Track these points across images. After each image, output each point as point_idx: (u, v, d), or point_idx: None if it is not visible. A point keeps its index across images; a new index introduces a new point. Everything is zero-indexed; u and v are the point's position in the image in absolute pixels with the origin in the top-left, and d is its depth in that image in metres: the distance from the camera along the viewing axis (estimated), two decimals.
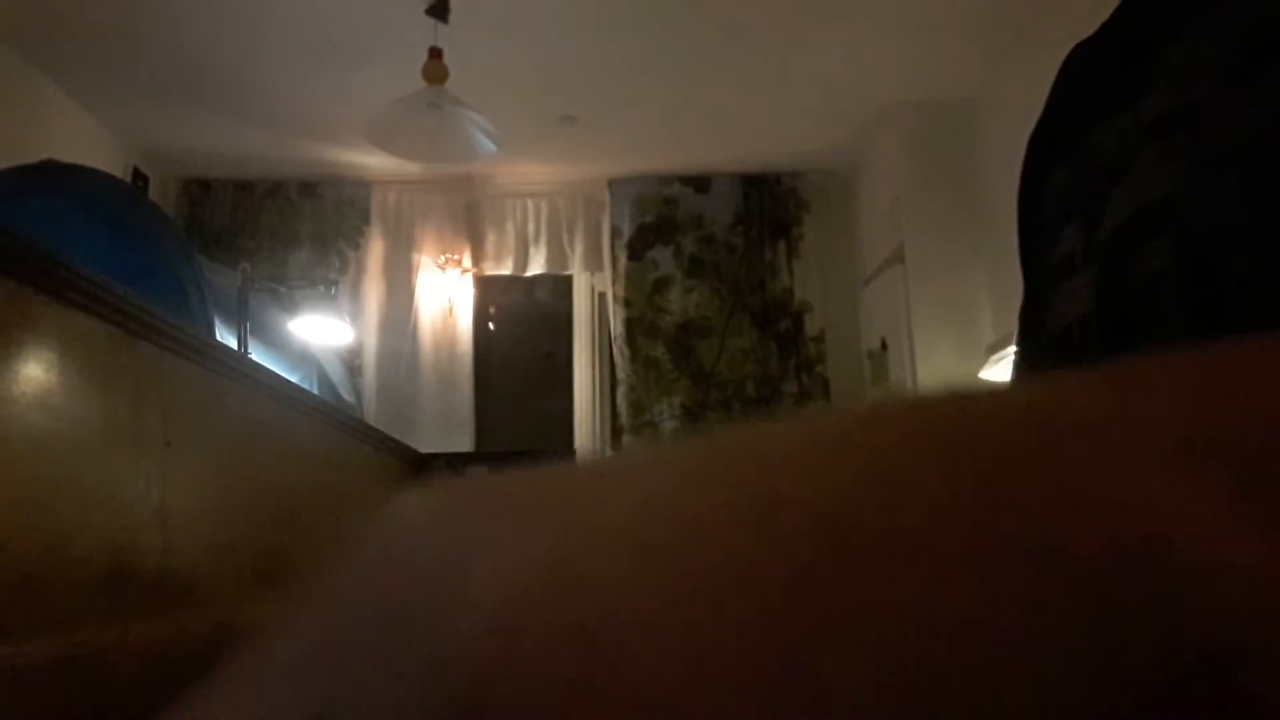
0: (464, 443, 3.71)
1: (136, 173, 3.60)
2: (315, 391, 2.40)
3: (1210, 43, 0.30)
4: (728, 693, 0.09)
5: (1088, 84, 0.41)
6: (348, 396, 2.85)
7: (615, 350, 3.78)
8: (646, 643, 0.10)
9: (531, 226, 3.92)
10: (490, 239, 3.93)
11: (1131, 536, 0.10)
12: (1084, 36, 0.43)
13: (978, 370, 2.91)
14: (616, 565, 0.11)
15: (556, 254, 3.91)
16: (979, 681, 0.09)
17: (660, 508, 0.11)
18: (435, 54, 2.44)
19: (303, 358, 2.48)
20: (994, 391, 0.12)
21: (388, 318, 3.84)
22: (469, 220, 3.92)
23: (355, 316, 3.70)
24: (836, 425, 0.13)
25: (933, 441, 0.11)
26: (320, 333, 2.55)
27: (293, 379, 1.69)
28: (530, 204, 3.92)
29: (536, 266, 3.91)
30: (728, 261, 3.81)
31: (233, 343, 1.98)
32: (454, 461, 1.33)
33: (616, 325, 3.77)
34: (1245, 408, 0.11)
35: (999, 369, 2.79)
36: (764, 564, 0.10)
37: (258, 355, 2.04)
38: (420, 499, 0.14)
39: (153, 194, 3.61)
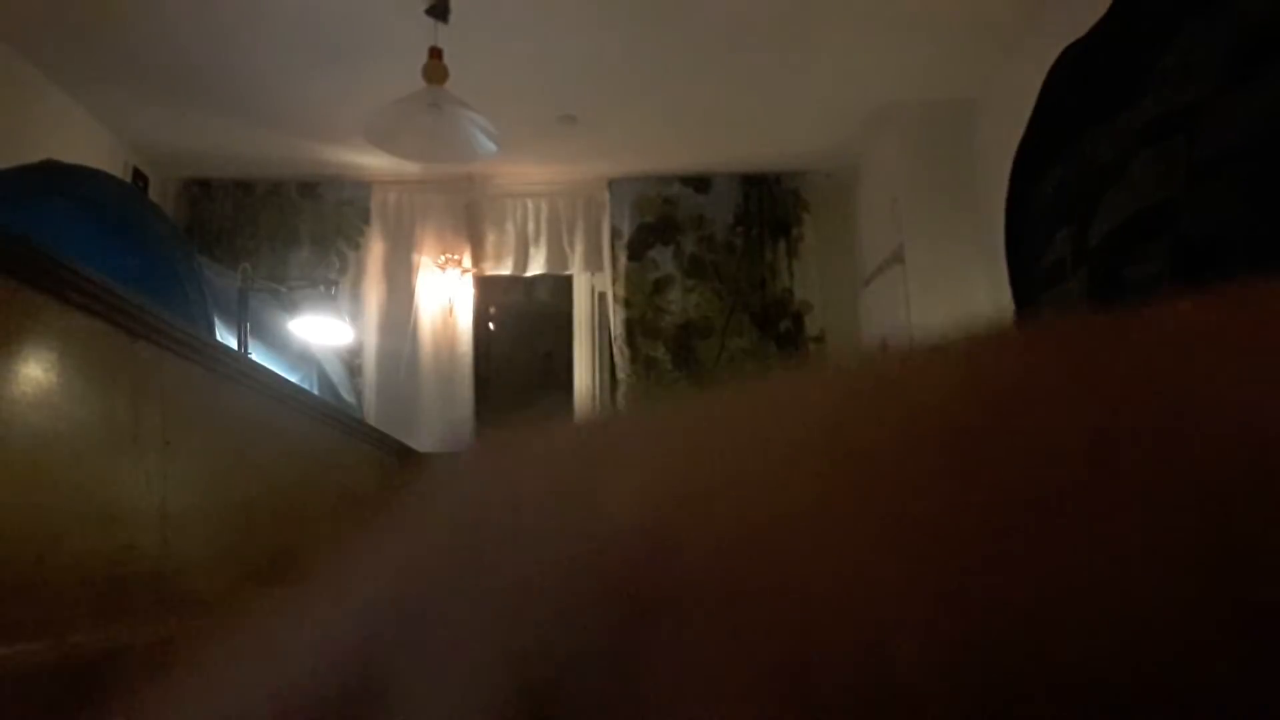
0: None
1: (136, 173, 3.60)
2: (315, 391, 2.40)
3: (1207, 45, 0.29)
4: (895, 598, 0.09)
5: (1079, 87, 0.40)
6: (348, 396, 2.85)
7: (615, 350, 3.78)
8: (813, 547, 0.09)
9: (531, 226, 3.92)
10: (490, 239, 3.93)
11: (1264, 443, 0.09)
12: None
13: None
14: (765, 470, 0.10)
15: (556, 254, 3.91)
16: (1101, 593, 0.09)
17: (800, 415, 0.11)
18: (435, 54, 2.44)
19: (303, 358, 2.48)
20: (1113, 315, 0.12)
21: (388, 318, 3.83)
22: (469, 220, 3.92)
23: (355, 316, 3.70)
24: (962, 346, 0.12)
25: (1058, 356, 0.11)
26: (320, 333, 2.55)
27: (293, 379, 1.69)
28: (530, 204, 3.92)
29: (536, 266, 3.91)
30: (728, 261, 3.80)
31: (233, 343, 1.98)
32: None
33: (616, 325, 3.77)
34: None
35: None
36: (916, 467, 0.10)
37: (258, 355, 2.04)
38: (509, 436, 0.13)
39: (153, 194, 3.61)
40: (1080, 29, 0.43)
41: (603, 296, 3.91)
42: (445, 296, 3.86)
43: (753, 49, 2.95)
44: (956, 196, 3.23)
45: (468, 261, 3.89)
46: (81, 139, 3.23)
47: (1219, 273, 0.26)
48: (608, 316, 3.84)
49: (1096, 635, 0.09)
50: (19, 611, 0.41)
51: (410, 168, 3.59)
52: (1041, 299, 0.38)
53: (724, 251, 3.82)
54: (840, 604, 0.09)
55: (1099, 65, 0.39)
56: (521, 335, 4.17)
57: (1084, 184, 0.36)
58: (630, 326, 3.75)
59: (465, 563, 0.11)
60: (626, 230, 3.83)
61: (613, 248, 3.83)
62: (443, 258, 3.87)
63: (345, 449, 0.99)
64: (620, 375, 3.75)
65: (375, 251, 3.87)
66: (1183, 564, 0.09)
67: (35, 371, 0.43)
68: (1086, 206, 0.34)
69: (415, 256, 3.88)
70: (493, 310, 4.11)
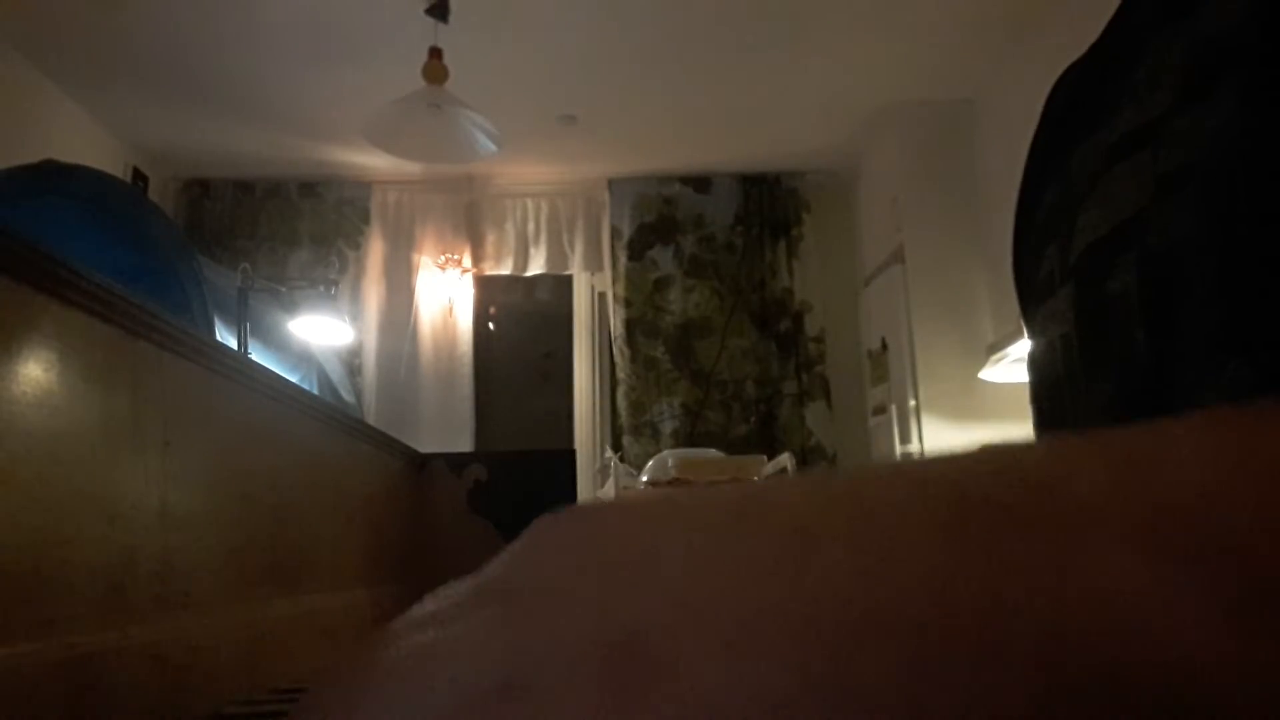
0: (464, 443, 3.71)
1: (136, 173, 3.60)
2: (315, 391, 2.40)
3: (1168, 62, 0.30)
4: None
5: (1072, 107, 0.41)
6: (348, 396, 2.85)
7: (615, 350, 3.78)
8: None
9: (531, 226, 3.92)
10: (490, 239, 3.93)
11: (1106, 626, 0.10)
12: (1084, 36, 0.43)
13: (978, 370, 2.91)
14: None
15: (556, 254, 3.91)
16: None
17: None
18: (435, 54, 2.43)
19: (303, 358, 2.48)
20: (997, 459, 0.13)
21: (388, 318, 3.83)
22: (469, 220, 3.92)
23: (355, 316, 3.70)
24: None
25: (930, 514, 0.12)
26: (320, 333, 2.54)
27: (293, 379, 1.69)
28: (530, 204, 3.92)
29: (536, 266, 3.91)
30: (728, 261, 3.80)
31: (233, 343, 1.98)
32: (454, 461, 1.33)
33: (616, 325, 3.77)
34: (1256, 513, 0.11)
35: (999, 369, 2.79)
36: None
37: (258, 355, 2.03)
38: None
39: (153, 194, 3.61)
40: (1080, 29, 0.43)
41: (603, 296, 3.91)
42: (445, 296, 3.86)
43: (753, 49, 2.95)
44: (956, 196, 3.23)
45: (468, 261, 3.89)
46: (81, 139, 3.23)
47: (1180, 285, 0.27)
48: (608, 316, 3.84)
49: None
50: (19, 611, 0.41)
51: (410, 168, 3.59)
52: (1036, 313, 0.39)
53: (724, 251, 3.82)
54: None
55: (1087, 85, 0.40)
56: (521, 335, 4.17)
57: (1067, 201, 0.36)
58: (630, 326, 3.75)
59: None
60: (626, 230, 3.82)
61: (613, 248, 3.83)
62: (443, 258, 3.87)
63: (345, 449, 0.99)
64: (620, 375, 3.75)
65: (375, 251, 3.87)
66: None
67: (35, 371, 0.43)
68: (1068, 223, 0.35)
69: (415, 256, 3.88)
70: (493, 310, 4.11)
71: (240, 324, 2.03)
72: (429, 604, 0.15)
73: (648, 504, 0.15)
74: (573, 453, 1.42)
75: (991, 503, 0.12)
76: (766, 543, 0.12)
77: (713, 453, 3.13)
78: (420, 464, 1.26)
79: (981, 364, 2.88)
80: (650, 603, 0.12)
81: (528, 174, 3.85)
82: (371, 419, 3.40)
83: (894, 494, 0.13)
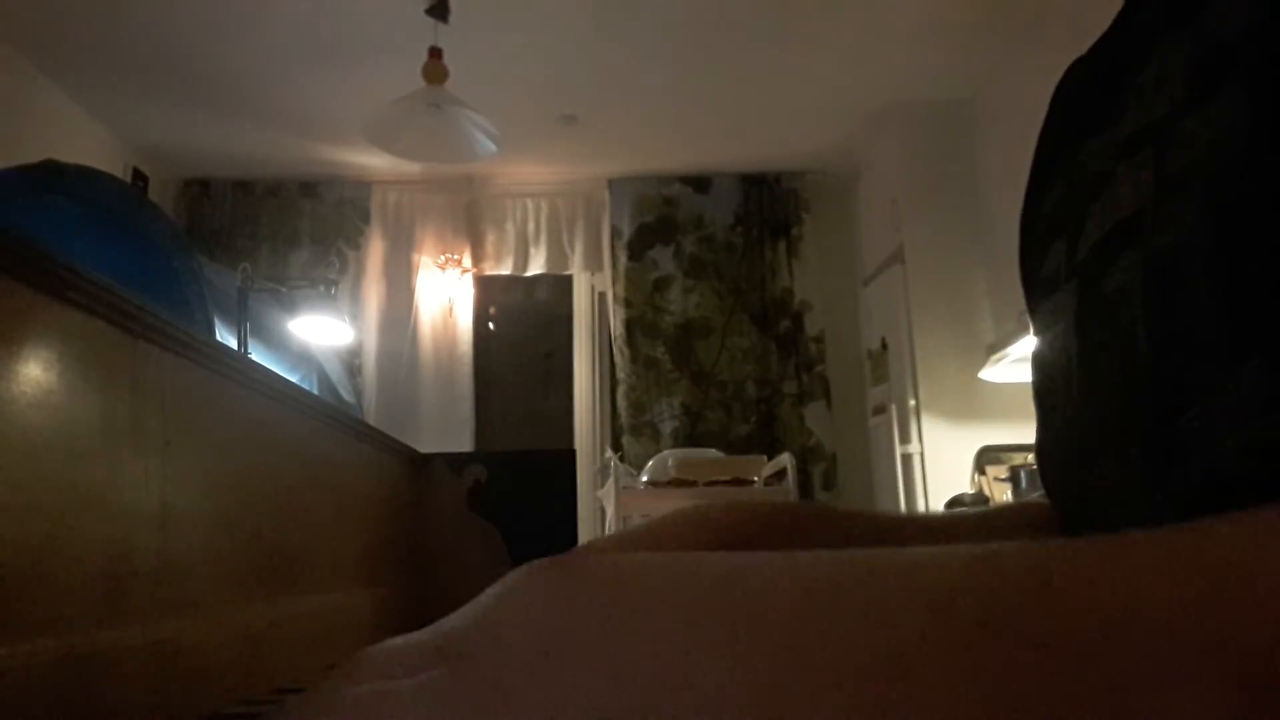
0: (464, 442, 3.71)
1: (136, 173, 3.60)
2: (315, 391, 2.40)
3: (1176, 61, 0.30)
4: None
5: (1079, 102, 0.41)
6: (348, 396, 2.84)
7: (615, 350, 3.78)
8: None
9: (531, 226, 3.92)
10: (490, 239, 3.93)
11: None
12: (1085, 37, 0.43)
13: (978, 370, 2.91)
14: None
15: (556, 254, 3.91)
16: None
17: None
18: (435, 54, 2.43)
19: (303, 358, 2.48)
20: (1073, 565, 0.12)
21: (388, 318, 3.83)
22: (469, 220, 3.92)
23: (355, 316, 3.70)
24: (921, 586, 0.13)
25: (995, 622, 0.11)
26: (320, 333, 2.54)
27: (293, 379, 1.68)
28: (530, 204, 3.92)
29: (536, 266, 3.91)
30: (728, 261, 3.80)
31: (233, 343, 1.98)
32: (454, 461, 1.32)
33: (616, 325, 3.77)
34: None
35: (999, 369, 2.79)
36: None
37: (258, 355, 2.03)
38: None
39: (153, 194, 3.61)
40: (1080, 29, 0.43)
41: (603, 296, 3.91)
42: (445, 296, 3.86)
43: (753, 49, 2.95)
44: (956, 196, 3.23)
45: (468, 261, 3.89)
46: (81, 139, 3.23)
47: (1183, 285, 0.27)
48: (608, 316, 3.84)
49: None
50: (19, 611, 0.41)
51: (410, 168, 3.59)
52: (1039, 310, 0.39)
53: (724, 251, 3.82)
54: None
55: (1096, 80, 0.40)
56: (521, 335, 4.17)
57: (1075, 197, 0.36)
58: (630, 326, 3.75)
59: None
60: (626, 230, 3.83)
61: (613, 248, 3.83)
62: (443, 258, 3.87)
63: (345, 449, 0.99)
64: (620, 375, 3.75)
65: (375, 251, 3.87)
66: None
67: (35, 371, 0.43)
68: (1076, 219, 0.35)
69: (415, 256, 3.88)
70: (493, 310, 4.11)
71: (240, 324, 2.03)
72: (391, 647, 0.14)
73: (631, 569, 0.14)
74: (573, 453, 1.41)
75: (1029, 625, 0.11)
76: (753, 642, 0.11)
77: (713, 453, 3.13)
78: (420, 464, 1.26)
79: (981, 364, 2.88)
80: (617, 697, 0.11)
81: (528, 174, 3.85)
82: (371, 419, 3.40)
83: (913, 601, 0.12)
